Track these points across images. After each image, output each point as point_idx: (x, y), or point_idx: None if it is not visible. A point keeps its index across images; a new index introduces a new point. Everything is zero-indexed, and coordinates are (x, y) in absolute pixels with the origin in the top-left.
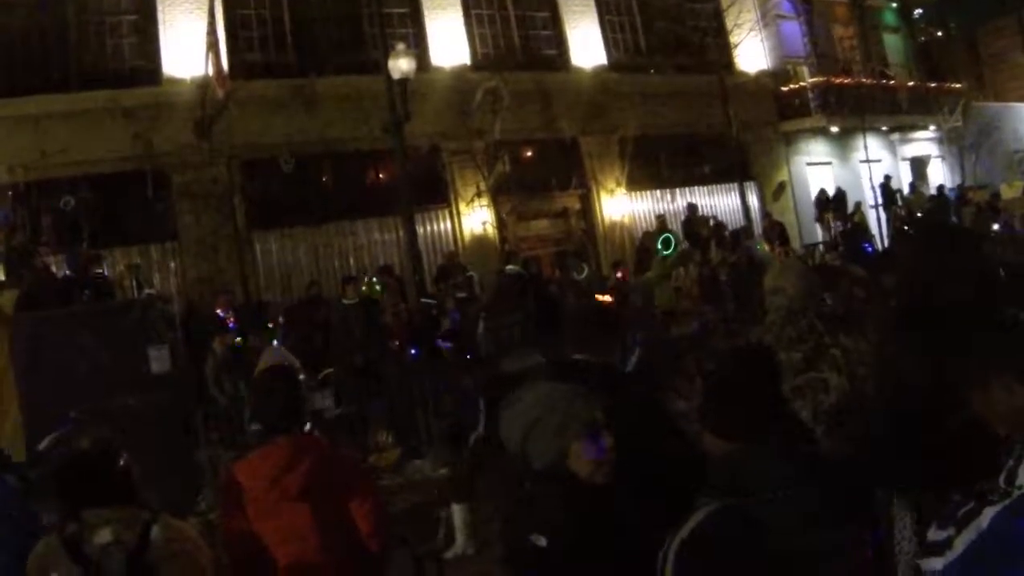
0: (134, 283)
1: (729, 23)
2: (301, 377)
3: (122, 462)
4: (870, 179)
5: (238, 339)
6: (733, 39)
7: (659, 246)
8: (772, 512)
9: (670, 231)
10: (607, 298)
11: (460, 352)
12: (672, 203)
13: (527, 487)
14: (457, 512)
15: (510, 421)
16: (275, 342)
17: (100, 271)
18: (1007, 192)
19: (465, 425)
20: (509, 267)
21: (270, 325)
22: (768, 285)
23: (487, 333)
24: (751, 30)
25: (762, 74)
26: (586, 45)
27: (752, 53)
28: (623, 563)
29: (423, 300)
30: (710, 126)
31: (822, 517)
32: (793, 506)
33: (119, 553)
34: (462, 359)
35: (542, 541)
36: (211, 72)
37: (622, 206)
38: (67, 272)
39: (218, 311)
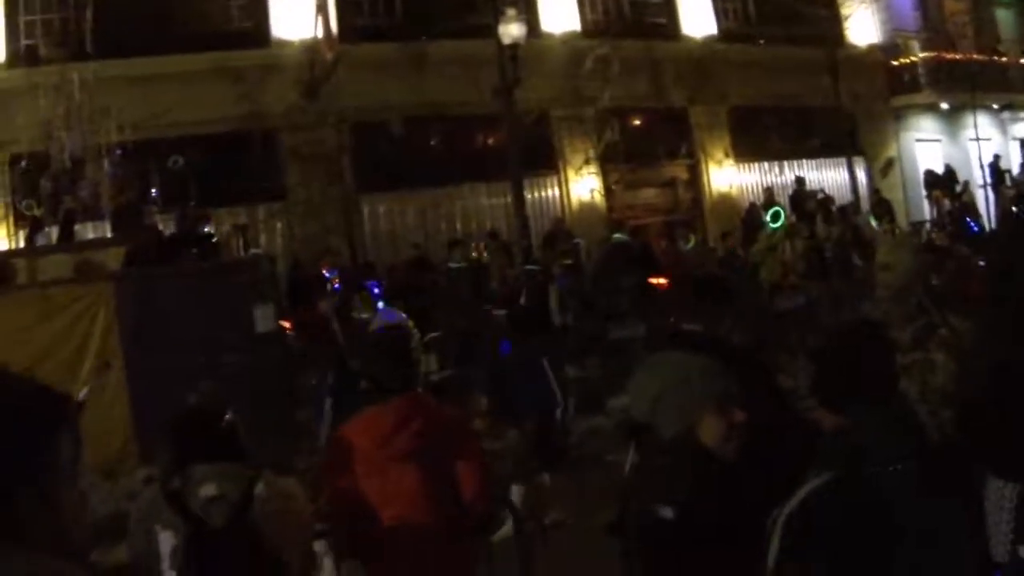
0: (241, 243)
1: None
2: (415, 338)
3: (228, 419)
4: (979, 158)
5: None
6: (844, 11)
7: (767, 219)
8: (884, 485)
9: (779, 204)
10: (662, 280)
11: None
12: (780, 176)
13: (650, 458)
14: (515, 491)
15: (641, 389)
16: (380, 304)
17: (207, 230)
18: None
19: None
20: (617, 235)
21: (376, 291)
22: (879, 261)
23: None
24: (862, 2)
25: (873, 47)
26: (696, 13)
27: (863, 25)
28: (748, 537)
29: (528, 267)
30: (820, 99)
31: (932, 491)
32: (904, 480)
33: (223, 508)
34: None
35: (669, 513)
36: (320, 34)
37: (730, 177)
38: (174, 231)
39: (323, 272)
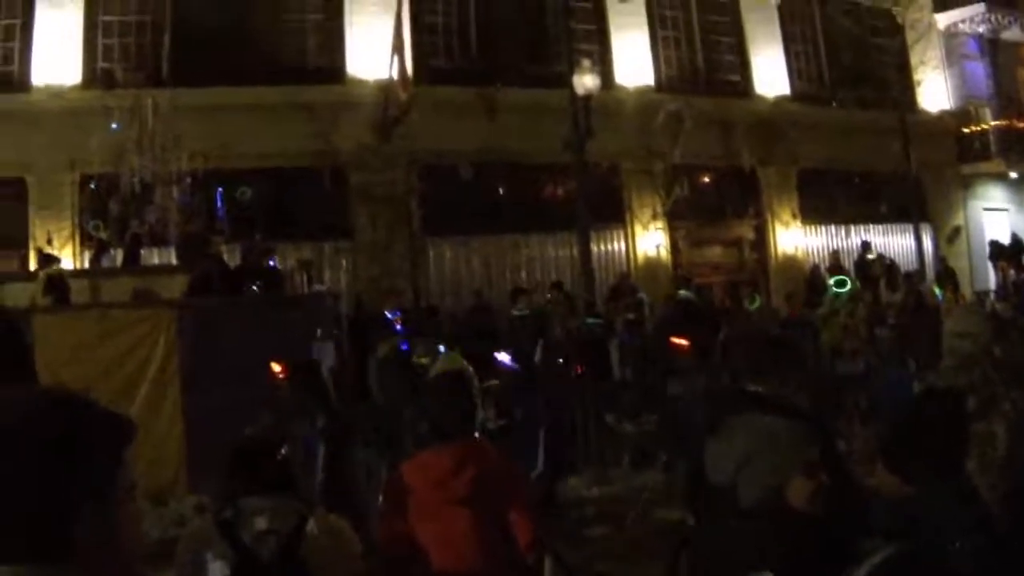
0: (305, 278)
1: (914, 60)
2: (475, 384)
3: (283, 453)
4: None
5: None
6: (917, 76)
7: (832, 285)
8: (950, 561)
9: (845, 271)
10: (683, 341)
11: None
12: (846, 240)
13: (732, 521)
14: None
15: (725, 452)
16: (442, 347)
17: (272, 264)
18: None
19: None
20: (682, 292)
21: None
22: (953, 329)
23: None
24: (935, 68)
25: (944, 114)
26: (769, 73)
27: (935, 92)
28: None
29: (590, 320)
30: (889, 164)
31: (995, 569)
32: (968, 556)
33: (273, 542)
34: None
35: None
36: (395, 75)
37: (796, 239)
38: (239, 262)
39: (387, 312)
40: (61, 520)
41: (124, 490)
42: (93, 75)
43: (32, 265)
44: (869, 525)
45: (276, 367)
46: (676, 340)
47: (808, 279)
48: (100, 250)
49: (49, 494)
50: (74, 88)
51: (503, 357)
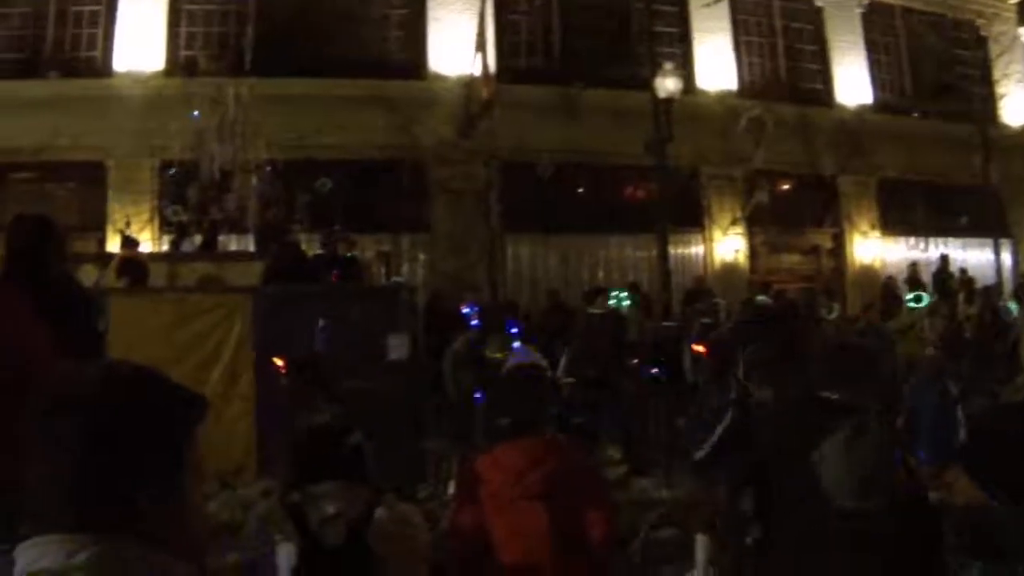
0: (382, 270)
1: (996, 73)
2: (550, 379)
3: (354, 439)
4: None
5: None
6: (999, 90)
7: (909, 299)
8: None
9: (923, 284)
10: (700, 347)
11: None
12: (924, 252)
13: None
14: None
15: (846, 466)
16: (516, 344)
17: (351, 254)
18: None
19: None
20: (760, 298)
21: (514, 331)
22: None
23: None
24: (1018, 82)
25: None
26: (851, 82)
27: (1017, 105)
28: None
29: (666, 323)
30: (969, 177)
31: None
32: None
33: (340, 526)
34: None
35: None
36: (478, 72)
37: (874, 249)
38: (317, 252)
39: (463, 307)
40: (128, 490)
41: (191, 465)
42: (175, 62)
43: (111, 248)
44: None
45: (278, 362)
46: (695, 347)
47: (882, 290)
48: (181, 234)
49: (117, 464)
50: (156, 75)
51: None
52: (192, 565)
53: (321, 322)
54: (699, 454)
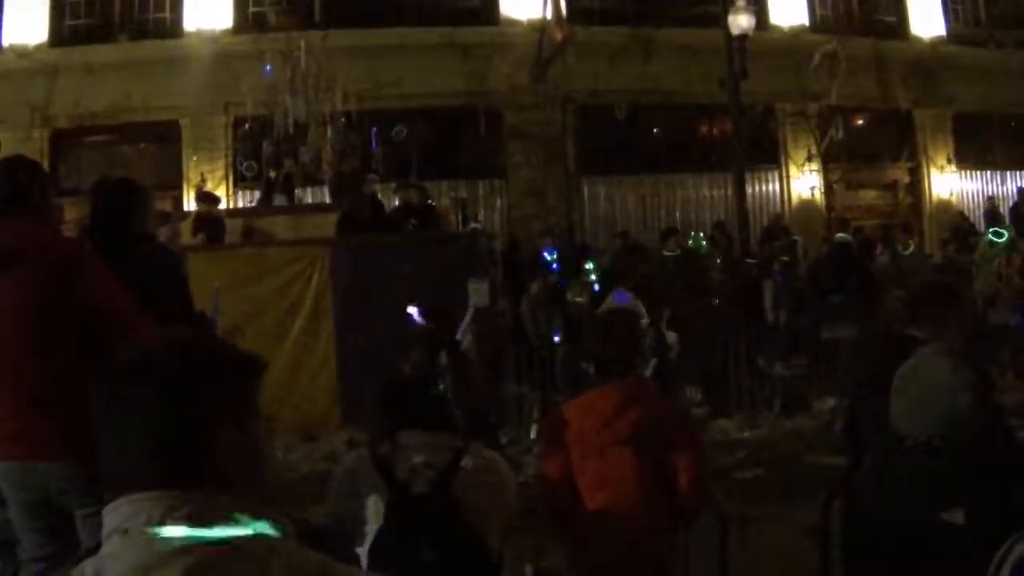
0: (460, 217)
1: None
2: (644, 323)
3: (440, 388)
4: None
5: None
6: None
7: (991, 234)
8: None
9: (1000, 218)
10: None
11: None
12: (1002, 186)
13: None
14: None
15: (903, 398)
16: (597, 287)
17: (429, 202)
18: None
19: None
20: (840, 235)
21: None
22: None
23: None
24: None
25: None
26: (925, 14)
27: None
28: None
29: (747, 260)
30: None
31: None
32: None
33: (428, 476)
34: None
35: (959, 518)
36: (550, 15)
37: (951, 184)
38: (394, 201)
39: (542, 251)
40: (191, 446)
41: (252, 416)
42: (245, 19)
43: (188, 206)
44: None
45: (412, 310)
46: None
47: (952, 227)
48: (269, 189)
49: (179, 421)
50: (226, 32)
51: (413, 311)
52: (284, 514)
53: (412, 308)
54: None
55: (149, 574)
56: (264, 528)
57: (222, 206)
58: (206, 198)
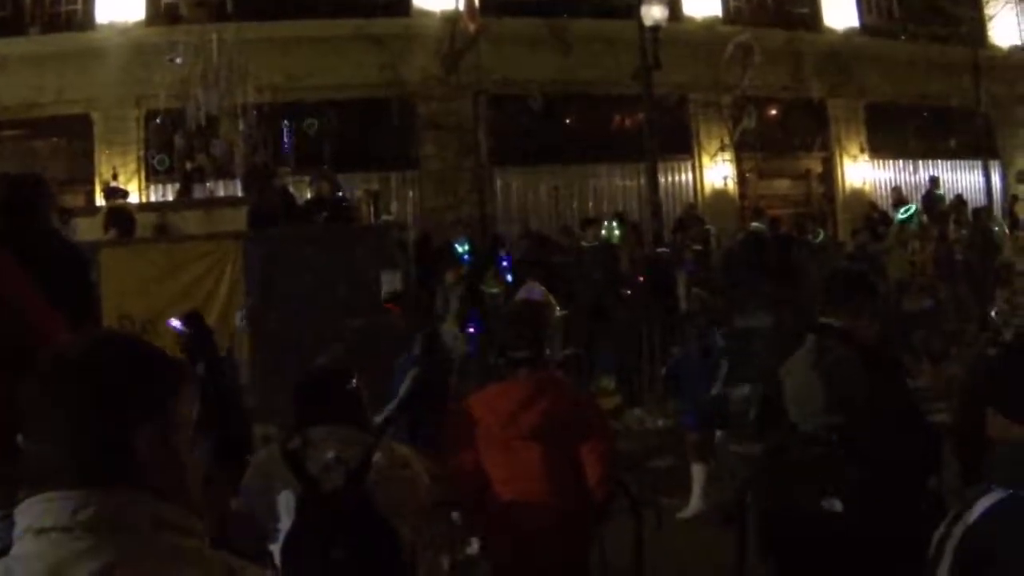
0: (372, 209)
1: None
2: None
3: (353, 384)
4: None
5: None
6: (988, 11)
7: (900, 213)
8: None
9: (909, 203)
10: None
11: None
12: (914, 175)
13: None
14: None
15: (800, 385)
16: (509, 277)
17: (339, 195)
18: None
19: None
20: (755, 224)
21: (505, 264)
22: None
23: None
24: (1007, 3)
25: (1015, 50)
26: (839, 6)
27: (1007, 27)
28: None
29: (659, 250)
30: (958, 99)
31: None
32: None
33: (340, 471)
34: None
35: (837, 506)
36: (462, 6)
37: (863, 173)
38: (306, 194)
39: (453, 243)
40: (107, 446)
41: (183, 421)
42: (157, 11)
43: (99, 200)
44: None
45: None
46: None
47: (864, 217)
48: (187, 182)
49: (111, 420)
50: (138, 24)
51: (175, 323)
52: (197, 516)
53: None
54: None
55: (59, 574)
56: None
57: (134, 199)
58: (114, 193)
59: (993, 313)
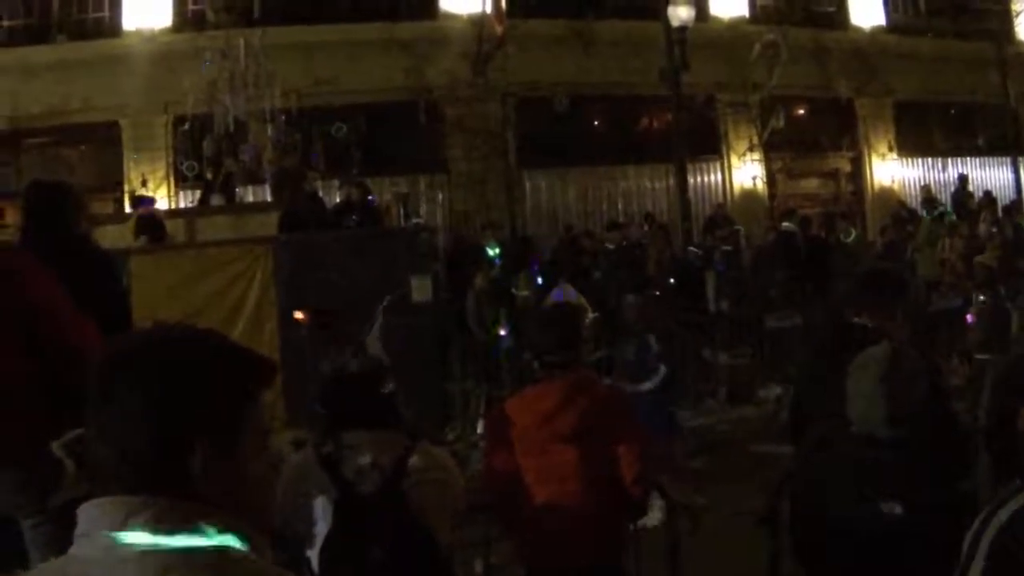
0: (401, 212)
1: None
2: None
3: (388, 387)
4: None
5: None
6: (1014, 7)
7: (926, 216)
8: None
9: (938, 202)
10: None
11: None
12: (943, 172)
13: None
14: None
15: (880, 395)
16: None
17: (369, 198)
18: None
19: None
20: (786, 224)
21: (535, 267)
22: None
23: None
24: None
25: None
26: (865, 4)
27: None
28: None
29: (690, 249)
30: (986, 96)
31: None
32: None
33: (375, 476)
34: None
35: (897, 509)
36: (489, 9)
37: (892, 171)
38: (336, 198)
39: (484, 245)
40: (184, 450)
41: (254, 429)
42: (184, 18)
43: (127, 207)
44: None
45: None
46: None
47: (892, 216)
48: (207, 190)
49: (173, 423)
50: (165, 31)
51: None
52: (247, 523)
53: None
54: None
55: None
56: (231, 541)
57: (163, 206)
58: (139, 202)
59: None
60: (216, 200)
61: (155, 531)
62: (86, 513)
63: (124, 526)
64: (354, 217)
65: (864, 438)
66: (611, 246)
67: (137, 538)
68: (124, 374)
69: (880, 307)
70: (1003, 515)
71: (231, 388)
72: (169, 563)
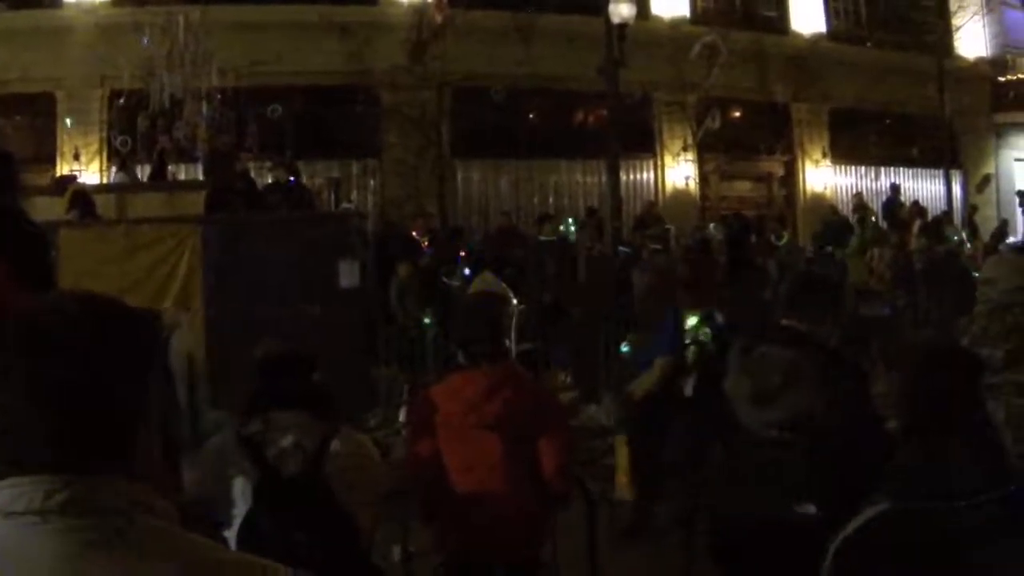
0: (332, 196)
1: (952, 5)
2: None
3: (315, 374)
4: None
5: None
6: (956, 21)
7: (854, 222)
8: (950, 521)
9: (870, 211)
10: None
11: None
12: (875, 181)
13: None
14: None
15: (744, 385)
16: (467, 270)
17: (291, 179)
18: None
19: None
20: (713, 225)
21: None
22: (982, 275)
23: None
24: (974, 14)
25: (980, 61)
26: (806, 10)
27: (973, 38)
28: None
29: (620, 247)
30: (922, 108)
31: (1006, 529)
32: (975, 517)
33: (298, 458)
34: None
35: (811, 510)
36: None
37: (825, 178)
38: (267, 179)
39: (413, 233)
40: (107, 425)
41: (156, 400)
42: None
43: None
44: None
45: None
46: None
47: (823, 222)
48: (121, 166)
49: (94, 398)
50: (105, 4)
51: None
52: (167, 500)
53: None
54: None
55: (23, 559)
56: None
57: (95, 180)
58: (64, 180)
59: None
60: (128, 176)
61: (73, 511)
62: (2, 494)
63: (43, 506)
64: (284, 200)
65: (759, 440)
66: (543, 238)
67: (55, 517)
68: (45, 348)
69: (811, 311)
70: (849, 529)
71: (143, 354)
72: (92, 535)
